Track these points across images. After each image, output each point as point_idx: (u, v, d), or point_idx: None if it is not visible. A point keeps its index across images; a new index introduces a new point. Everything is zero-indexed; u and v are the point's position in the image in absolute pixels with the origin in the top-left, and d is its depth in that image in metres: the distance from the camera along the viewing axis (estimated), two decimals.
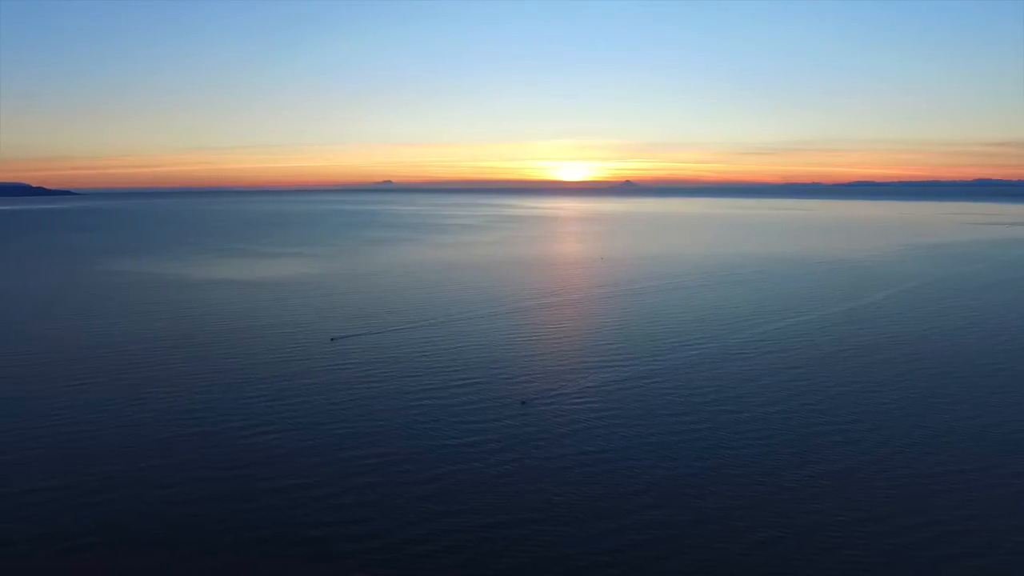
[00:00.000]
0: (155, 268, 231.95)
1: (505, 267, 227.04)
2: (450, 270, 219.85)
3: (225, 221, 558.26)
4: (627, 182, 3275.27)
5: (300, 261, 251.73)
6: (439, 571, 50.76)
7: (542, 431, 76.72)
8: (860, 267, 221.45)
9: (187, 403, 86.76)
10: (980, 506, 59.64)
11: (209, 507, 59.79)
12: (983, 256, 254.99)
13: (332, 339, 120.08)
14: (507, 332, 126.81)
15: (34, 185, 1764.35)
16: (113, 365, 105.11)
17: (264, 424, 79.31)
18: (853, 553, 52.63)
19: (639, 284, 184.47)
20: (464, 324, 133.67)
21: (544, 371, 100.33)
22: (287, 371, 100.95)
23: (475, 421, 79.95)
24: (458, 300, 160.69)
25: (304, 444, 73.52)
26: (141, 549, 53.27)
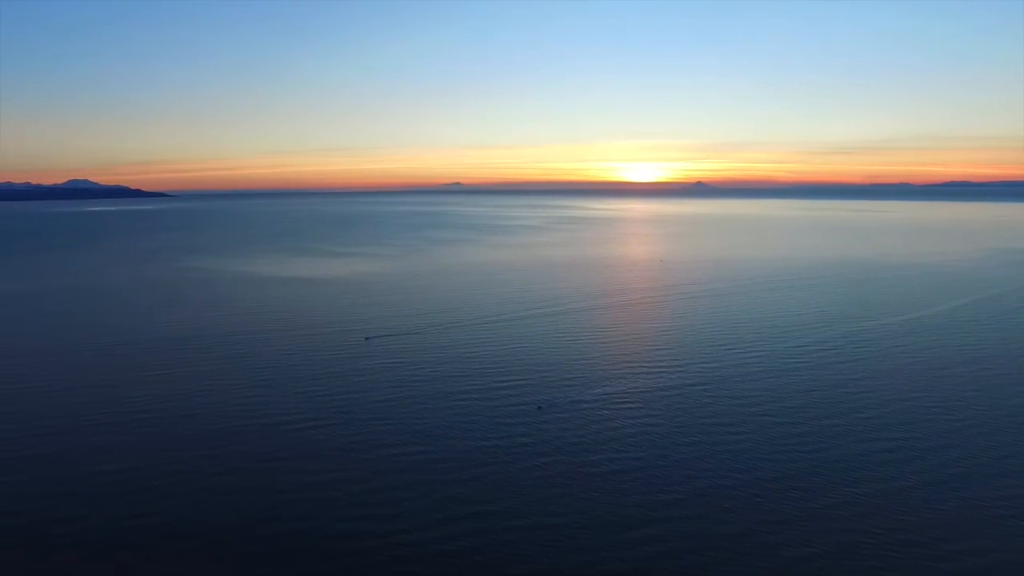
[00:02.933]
0: (229, 266, 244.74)
1: (560, 269, 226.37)
2: (504, 271, 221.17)
3: (300, 221, 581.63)
4: (698, 183, 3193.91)
5: (362, 260, 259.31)
6: (465, 571, 51.28)
7: (578, 436, 76.15)
8: (938, 272, 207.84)
9: (241, 396, 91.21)
10: None
11: (241, 500, 62.76)
12: None
13: (366, 338, 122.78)
14: (552, 334, 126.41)
15: (132, 188, 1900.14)
16: (177, 358, 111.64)
17: (303, 419, 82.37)
18: None
19: (698, 287, 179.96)
20: (509, 325, 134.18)
21: (585, 375, 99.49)
22: (323, 370, 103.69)
23: (507, 424, 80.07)
24: (507, 301, 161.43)
25: (342, 440, 75.91)
26: (189, 531, 56.69)
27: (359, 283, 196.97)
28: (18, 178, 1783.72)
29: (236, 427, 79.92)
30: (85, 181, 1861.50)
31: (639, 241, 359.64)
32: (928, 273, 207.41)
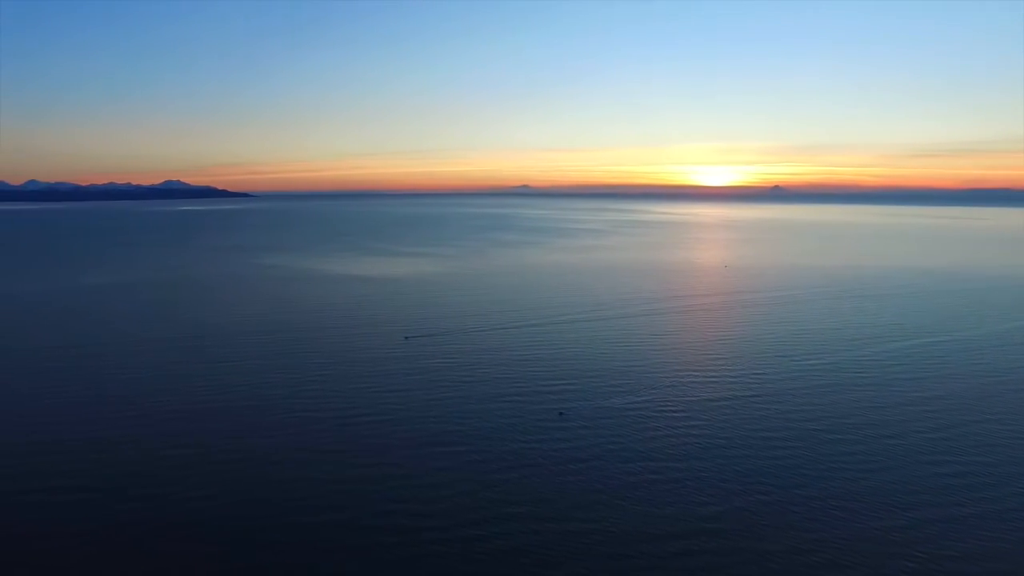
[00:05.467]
0: (300, 263, 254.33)
1: (617, 273, 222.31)
2: (559, 274, 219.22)
3: (370, 222, 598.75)
4: (776, 187, 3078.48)
5: (422, 261, 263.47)
6: (493, 572, 50.48)
7: (617, 442, 73.84)
8: None
9: (295, 389, 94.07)
10: None
11: (282, 488, 64.22)
12: None
13: (406, 338, 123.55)
14: (599, 339, 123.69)
15: (219, 188, 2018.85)
16: (245, 351, 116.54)
17: (347, 414, 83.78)
18: None
19: (760, 295, 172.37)
20: (555, 329, 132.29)
21: (629, 381, 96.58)
22: (364, 369, 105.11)
23: (543, 428, 78.66)
24: (556, 304, 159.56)
25: (383, 437, 76.67)
26: (232, 515, 58.59)
27: (414, 283, 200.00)
28: (121, 179, 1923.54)
29: (290, 419, 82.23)
30: (178, 182, 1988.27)
31: (704, 246, 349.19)
32: (1019, 285, 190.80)
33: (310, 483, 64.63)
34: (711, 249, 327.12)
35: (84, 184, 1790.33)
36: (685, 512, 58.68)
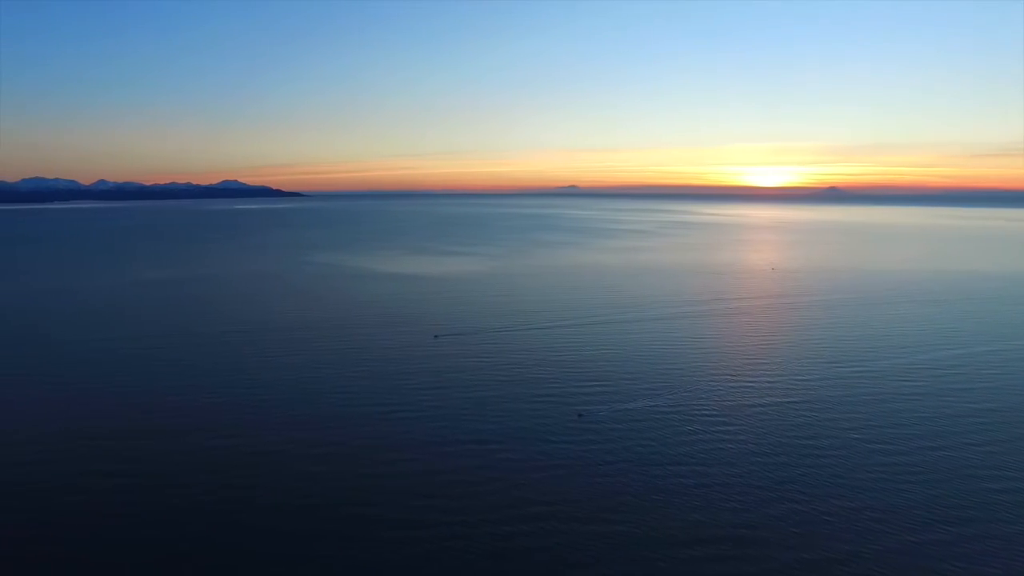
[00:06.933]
0: (343, 261, 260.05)
1: (660, 274, 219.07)
2: (598, 275, 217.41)
3: (417, 221, 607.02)
4: (831, 188, 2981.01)
5: (462, 260, 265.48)
6: (521, 571, 50.63)
7: (651, 446, 72.95)
8: None
9: (330, 385, 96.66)
10: None
11: (310, 483, 65.90)
12: None
13: (435, 336, 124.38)
14: (634, 341, 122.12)
15: (273, 188, 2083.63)
16: (283, 347, 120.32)
17: (381, 410, 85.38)
18: None
19: (808, 298, 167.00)
20: (587, 330, 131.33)
21: (663, 384, 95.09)
22: (393, 367, 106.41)
23: (572, 430, 78.36)
24: (592, 304, 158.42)
25: (417, 433, 77.88)
26: (262, 505, 60.71)
27: (451, 281, 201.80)
28: (181, 179, 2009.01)
29: (320, 414, 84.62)
30: (235, 182, 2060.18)
31: (752, 247, 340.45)
32: None
33: (340, 477, 66.17)
34: (758, 251, 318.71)
35: (148, 183, 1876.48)
36: (714, 519, 57.55)
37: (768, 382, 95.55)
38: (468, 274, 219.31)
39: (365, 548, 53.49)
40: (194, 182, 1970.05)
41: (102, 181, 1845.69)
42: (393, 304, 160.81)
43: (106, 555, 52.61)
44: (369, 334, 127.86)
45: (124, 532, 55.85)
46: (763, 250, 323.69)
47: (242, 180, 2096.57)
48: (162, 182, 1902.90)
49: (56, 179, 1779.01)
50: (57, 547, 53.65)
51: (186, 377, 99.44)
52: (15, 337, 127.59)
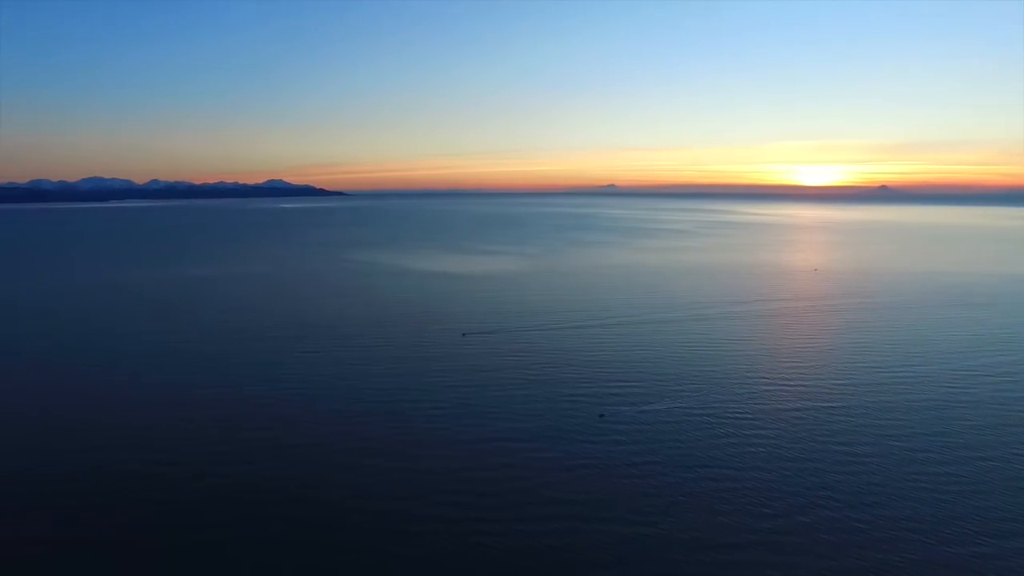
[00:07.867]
0: (382, 259, 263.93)
1: (698, 274, 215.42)
2: (634, 274, 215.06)
3: (456, 220, 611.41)
4: (882, 187, 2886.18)
5: (498, 259, 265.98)
6: (543, 570, 50.68)
7: (681, 448, 71.93)
8: None
9: (359, 382, 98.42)
10: None
11: (338, 477, 67.07)
12: None
13: (463, 334, 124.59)
14: (674, 342, 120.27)
15: (317, 187, 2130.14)
16: (321, 344, 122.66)
17: (408, 407, 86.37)
18: None
19: (851, 300, 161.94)
20: (622, 329, 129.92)
21: (700, 385, 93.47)
22: (422, 365, 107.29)
23: (598, 430, 77.75)
24: (626, 304, 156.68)
25: (444, 432, 78.55)
26: (288, 496, 62.15)
27: (482, 279, 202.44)
28: (228, 178, 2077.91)
29: (350, 410, 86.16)
30: (280, 181, 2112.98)
31: (796, 248, 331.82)
32: None
33: (368, 472, 67.12)
34: (802, 251, 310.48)
35: (198, 183, 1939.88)
36: (742, 523, 56.40)
37: (804, 386, 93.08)
38: (503, 273, 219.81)
39: (393, 541, 54.21)
40: (241, 181, 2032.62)
41: (155, 180, 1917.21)
42: (427, 302, 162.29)
43: (145, 542, 54.61)
44: (401, 331, 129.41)
45: (165, 518, 57.86)
46: (806, 251, 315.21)
47: (287, 179, 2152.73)
48: (211, 181, 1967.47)
49: (113, 179, 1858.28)
50: (104, 531, 55.96)
51: (224, 371, 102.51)
52: (72, 330, 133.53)
